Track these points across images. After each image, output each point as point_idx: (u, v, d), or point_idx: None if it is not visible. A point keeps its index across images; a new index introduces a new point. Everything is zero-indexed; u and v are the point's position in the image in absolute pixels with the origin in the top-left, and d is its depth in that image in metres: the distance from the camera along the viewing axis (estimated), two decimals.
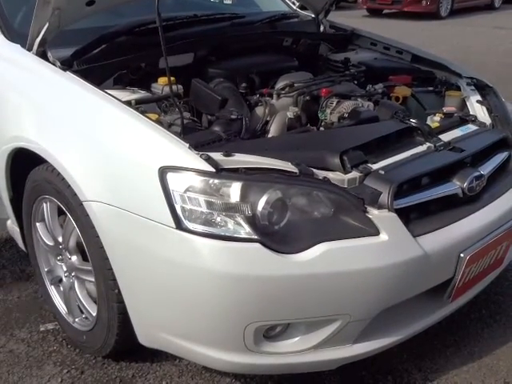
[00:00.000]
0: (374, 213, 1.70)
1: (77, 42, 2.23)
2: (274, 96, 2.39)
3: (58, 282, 2.29)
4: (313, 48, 2.98)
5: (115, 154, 1.79)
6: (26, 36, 2.14)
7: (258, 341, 1.70)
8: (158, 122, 1.89)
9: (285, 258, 1.59)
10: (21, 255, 2.85)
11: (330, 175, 1.77)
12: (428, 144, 2.01)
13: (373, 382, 2.06)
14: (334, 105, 2.30)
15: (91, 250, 1.92)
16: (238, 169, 1.65)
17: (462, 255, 1.83)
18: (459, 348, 2.22)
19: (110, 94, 1.93)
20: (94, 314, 2.07)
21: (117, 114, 1.85)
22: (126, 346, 2.06)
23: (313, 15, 3.16)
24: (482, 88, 2.56)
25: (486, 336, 2.29)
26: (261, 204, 1.62)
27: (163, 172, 1.64)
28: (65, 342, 2.28)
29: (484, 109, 2.39)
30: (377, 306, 1.73)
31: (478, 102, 2.43)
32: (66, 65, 2.08)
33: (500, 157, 2.16)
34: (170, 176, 1.64)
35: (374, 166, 1.83)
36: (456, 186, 1.92)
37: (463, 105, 2.47)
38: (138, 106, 2.01)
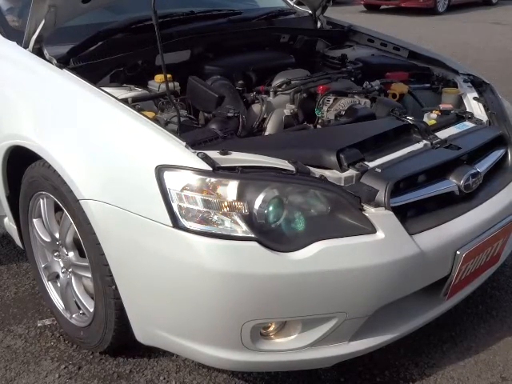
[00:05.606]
0: (370, 211, 1.70)
1: (73, 39, 2.23)
2: (271, 93, 2.40)
3: (55, 277, 2.29)
4: (310, 45, 2.99)
5: (112, 152, 1.79)
6: (23, 33, 2.13)
7: (255, 338, 1.71)
8: (155, 120, 1.89)
9: (281, 257, 1.59)
10: (18, 251, 2.86)
11: (327, 173, 1.77)
12: (425, 141, 2.02)
13: (370, 377, 2.07)
14: (330, 102, 2.31)
15: (88, 246, 1.92)
16: (234, 167, 1.65)
17: (458, 253, 1.83)
18: (456, 343, 2.23)
19: (106, 92, 1.93)
20: (91, 310, 2.07)
21: (113, 112, 1.85)
22: (123, 341, 2.06)
23: (310, 11, 3.16)
24: (478, 85, 2.57)
25: (482, 331, 2.30)
26: (257, 202, 1.62)
27: (160, 170, 1.64)
28: (62, 337, 2.29)
29: (481, 106, 2.39)
30: (373, 304, 1.73)
31: (474, 98, 2.44)
32: (63, 62, 2.08)
33: (496, 154, 2.16)
34: (166, 174, 1.64)
35: (371, 164, 1.83)
36: (452, 183, 1.92)
37: (460, 102, 2.47)
38: (135, 103, 2.01)
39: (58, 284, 2.28)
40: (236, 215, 1.61)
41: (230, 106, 2.13)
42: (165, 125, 1.95)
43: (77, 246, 2.10)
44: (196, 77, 2.26)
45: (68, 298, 2.22)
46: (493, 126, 2.29)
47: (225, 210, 1.61)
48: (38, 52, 2.12)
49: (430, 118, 2.26)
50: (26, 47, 2.15)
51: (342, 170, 1.79)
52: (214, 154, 1.67)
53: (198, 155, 1.65)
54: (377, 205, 1.72)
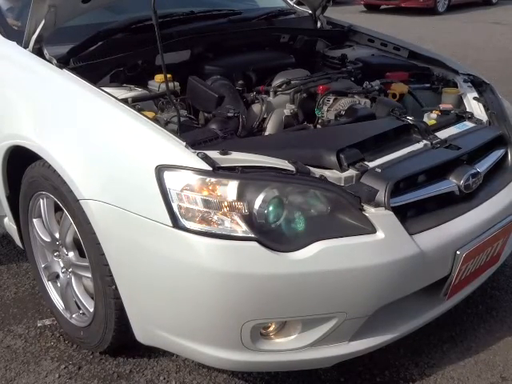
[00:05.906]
0: (370, 211, 1.70)
1: (73, 39, 2.23)
2: (271, 93, 2.40)
3: (55, 277, 2.29)
4: (310, 45, 2.98)
5: (112, 152, 1.79)
6: (23, 33, 2.14)
7: (255, 338, 1.71)
8: (155, 120, 1.89)
9: (281, 257, 1.59)
10: (18, 251, 2.86)
11: (327, 173, 1.77)
12: (425, 141, 2.01)
13: (370, 377, 2.07)
14: (330, 102, 2.31)
15: (88, 246, 1.92)
16: (234, 167, 1.65)
17: (458, 253, 1.83)
18: (456, 343, 2.23)
19: (106, 92, 1.93)
20: (91, 310, 2.07)
21: (113, 112, 1.85)
22: (123, 341, 2.06)
23: (310, 11, 3.16)
24: (478, 85, 2.57)
25: (482, 331, 2.30)
26: (257, 202, 1.62)
27: (160, 170, 1.64)
28: (62, 337, 2.29)
29: (481, 106, 2.39)
30: (373, 304, 1.73)
31: (474, 98, 2.44)
32: (63, 62, 2.08)
33: (496, 154, 2.16)
34: (166, 174, 1.64)
35: (371, 164, 1.83)
36: (452, 183, 1.92)
37: (460, 102, 2.47)
38: (135, 103, 2.01)
39: (58, 284, 2.28)
40: (236, 215, 1.61)
41: (230, 106, 2.13)
42: (165, 125, 1.95)
43: (77, 245, 2.10)
44: (196, 77, 2.26)
45: (68, 297, 2.22)
46: (493, 126, 2.29)
47: (225, 209, 1.61)
48: (38, 52, 2.12)
49: (430, 118, 2.26)
50: (26, 47, 2.15)
51: (342, 170, 1.79)
52: (214, 154, 1.67)
53: (198, 155, 1.65)
54: (377, 205, 1.72)
